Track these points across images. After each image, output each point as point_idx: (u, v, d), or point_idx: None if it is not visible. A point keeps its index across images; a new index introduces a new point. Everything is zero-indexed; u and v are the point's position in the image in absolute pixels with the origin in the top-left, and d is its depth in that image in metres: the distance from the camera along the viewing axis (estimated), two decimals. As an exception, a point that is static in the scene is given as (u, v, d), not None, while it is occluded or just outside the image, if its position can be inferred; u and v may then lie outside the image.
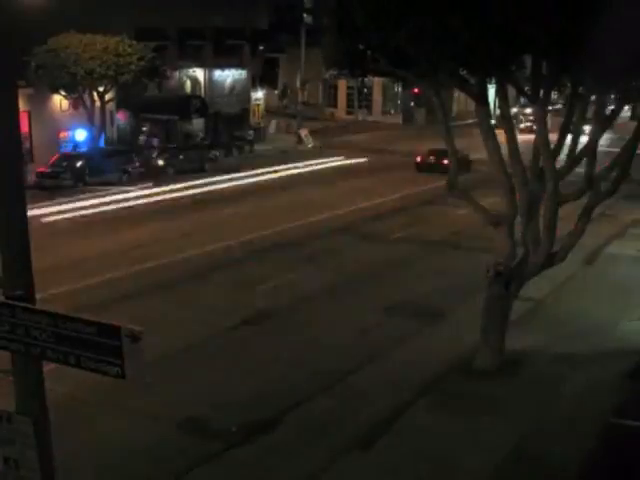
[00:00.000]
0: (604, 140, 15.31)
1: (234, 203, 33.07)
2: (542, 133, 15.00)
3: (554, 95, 15.95)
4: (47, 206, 30.39)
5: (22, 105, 32.23)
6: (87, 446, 12.60)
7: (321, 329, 18.41)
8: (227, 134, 48.77)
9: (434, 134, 23.91)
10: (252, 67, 55.75)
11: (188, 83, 50.49)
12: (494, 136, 15.10)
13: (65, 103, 40.01)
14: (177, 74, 48.36)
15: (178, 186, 36.14)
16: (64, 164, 36.12)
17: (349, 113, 69.65)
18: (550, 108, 15.92)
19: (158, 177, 38.52)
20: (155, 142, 44.93)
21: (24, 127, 36.21)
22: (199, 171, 41.08)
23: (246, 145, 48.95)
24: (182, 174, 39.53)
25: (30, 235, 6.76)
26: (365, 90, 68.85)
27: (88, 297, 19.10)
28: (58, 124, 39.92)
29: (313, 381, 15.42)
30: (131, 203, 32.84)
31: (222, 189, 36.75)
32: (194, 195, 34.77)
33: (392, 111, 69.31)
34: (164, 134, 46.32)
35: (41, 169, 35.67)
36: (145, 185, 36.53)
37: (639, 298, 19.86)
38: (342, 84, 69.00)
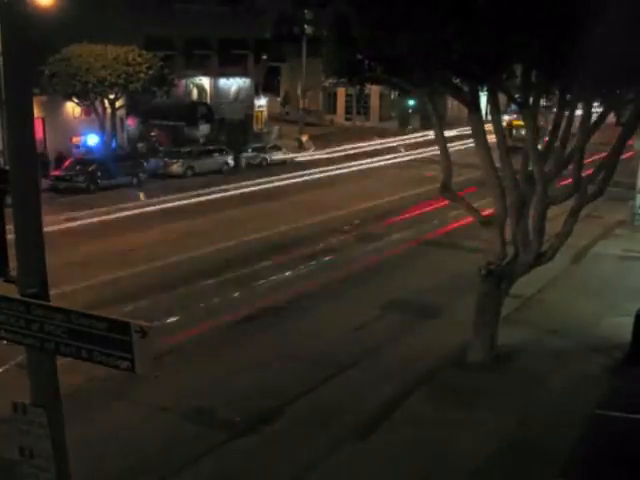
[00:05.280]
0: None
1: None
2: (531, 138, 15.01)
3: (544, 103, 15.95)
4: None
5: (36, 112, 32.19)
6: (97, 436, 12.61)
7: (321, 325, 18.41)
8: (231, 139, 48.56)
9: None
10: (255, 75, 55.75)
11: (195, 91, 50.50)
12: (486, 140, 15.10)
13: (77, 110, 40.02)
14: (184, 82, 48.34)
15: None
16: (77, 168, 36.15)
17: (348, 119, 69.60)
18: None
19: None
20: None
21: (38, 133, 36.25)
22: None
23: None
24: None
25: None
26: (363, 97, 68.81)
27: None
28: (71, 130, 39.92)
29: (313, 374, 15.42)
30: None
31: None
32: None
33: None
34: (172, 139, 46.29)
35: (56, 173, 35.73)
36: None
37: (623, 295, 19.84)
38: (341, 92, 68.93)
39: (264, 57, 57.76)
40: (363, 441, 12.79)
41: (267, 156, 45.41)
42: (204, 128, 47.96)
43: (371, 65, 14.59)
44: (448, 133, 17.14)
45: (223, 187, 36.49)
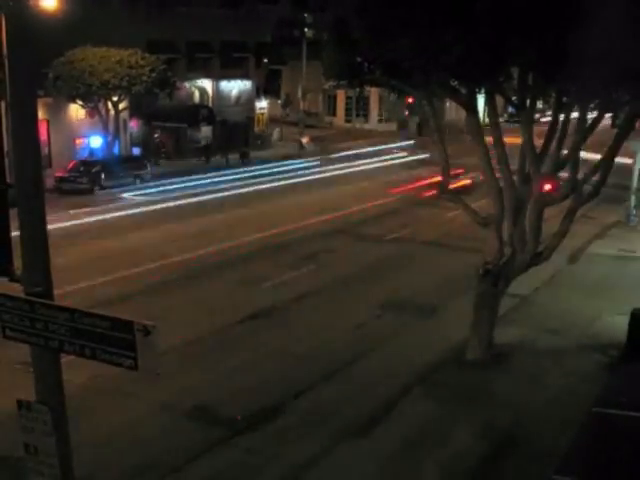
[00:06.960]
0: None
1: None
2: (528, 139, 15.01)
3: (540, 105, 15.94)
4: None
5: (41, 114, 32.18)
6: (100, 433, 12.61)
7: (321, 324, 18.40)
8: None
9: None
10: (256, 78, 55.74)
11: (197, 93, 50.49)
12: (483, 142, 15.10)
13: (81, 112, 40.01)
14: (186, 85, 48.32)
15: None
16: (81, 169, 36.19)
17: (347, 121, 69.55)
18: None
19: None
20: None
21: (43, 134, 36.22)
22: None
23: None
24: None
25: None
26: (362, 100, 68.79)
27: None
28: (74, 132, 39.90)
29: (314, 372, 15.41)
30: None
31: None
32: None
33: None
34: (174, 141, 46.37)
35: (60, 174, 35.73)
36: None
37: (618, 295, 19.84)
38: (341, 94, 68.88)
39: (265, 60, 57.79)
40: (362, 438, 12.79)
41: None
42: (206, 130, 48.08)
43: (371, 68, 14.60)
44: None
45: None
